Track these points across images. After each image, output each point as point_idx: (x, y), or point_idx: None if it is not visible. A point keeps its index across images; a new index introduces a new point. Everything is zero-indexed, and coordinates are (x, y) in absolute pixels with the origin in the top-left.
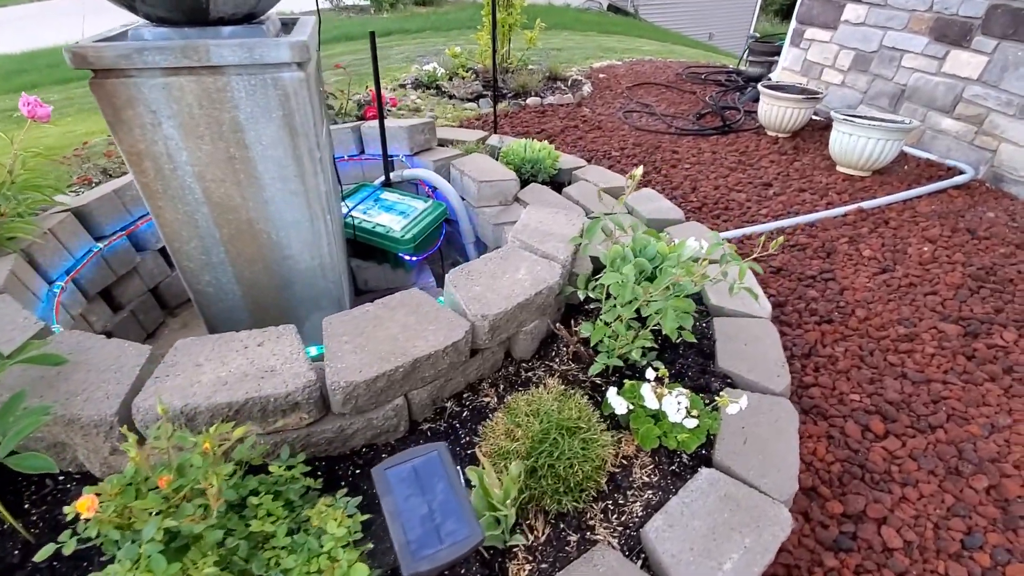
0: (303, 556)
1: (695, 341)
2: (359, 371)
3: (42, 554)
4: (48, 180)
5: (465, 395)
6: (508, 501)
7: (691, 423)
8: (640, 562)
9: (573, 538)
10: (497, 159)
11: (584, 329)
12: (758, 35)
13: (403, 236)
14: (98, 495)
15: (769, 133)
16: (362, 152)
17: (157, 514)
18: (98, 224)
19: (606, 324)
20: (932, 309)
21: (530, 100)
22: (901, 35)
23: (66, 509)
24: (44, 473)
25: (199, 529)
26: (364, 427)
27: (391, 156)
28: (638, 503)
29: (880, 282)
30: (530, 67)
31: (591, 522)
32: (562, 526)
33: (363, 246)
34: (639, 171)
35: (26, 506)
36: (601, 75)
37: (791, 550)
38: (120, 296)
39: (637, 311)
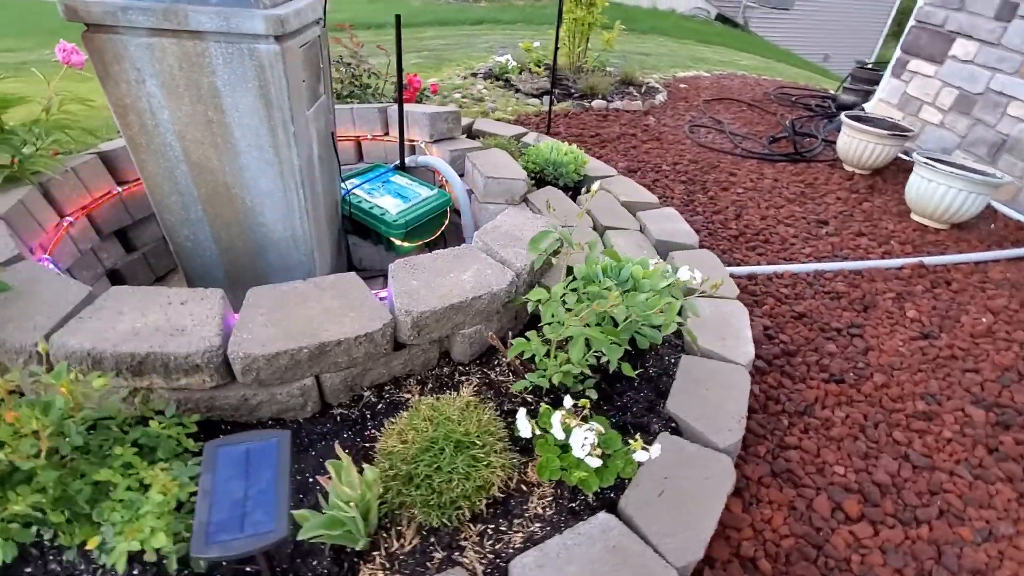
0: (130, 513)
1: (633, 376)
2: (262, 345)
3: None
4: (81, 124)
5: (387, 387)
6: (353, 504)
7: (594, 462)
8: None
9: (439, 555)
10: (519, 158)
11: (515, 347)
12: (867, 62)
13: (395, 220)
14: None
15: (846, 167)
16: (386, 133)
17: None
18: (123, 169)
19: (545, 342)
20: (967, 389)
21: (595, 103)
22: (1010, 80)
23: None
24: None
25: (27, 467)
26: (268, 400)
27: (412, 141)
28: (521, 534)
29: (915, 348)
30: (607, 68)
31: (463, 543)
32: (432, 540)
33: (360, 224)
34: (596, 185)
35: None
36: (682, 85)
37: None
38: (135, 238)
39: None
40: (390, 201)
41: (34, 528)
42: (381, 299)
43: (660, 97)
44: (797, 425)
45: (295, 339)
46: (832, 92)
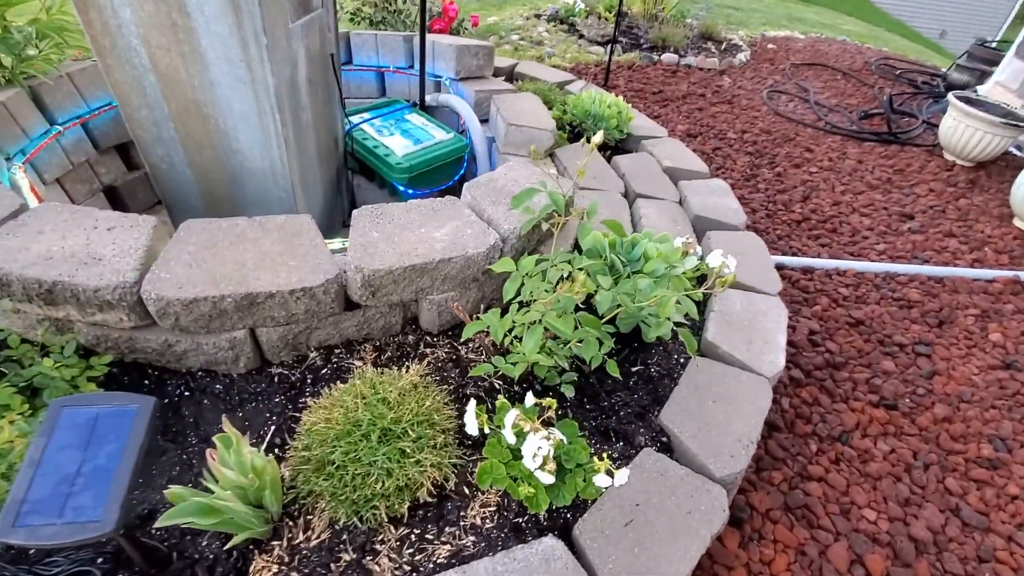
0: None
1: (618, 376)
2: (179, 287)
3: None
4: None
5: (338, 350)
6: (231, 492)
7: (546, 479)
8: None
9: (348, 556)
10: (555, 107)
11: (471, 326)
12: (989, 40)
13: (399, 163)
14: None
15: (946, 156)
16: (411, 66)
17: None
18: None
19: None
20: None
21: (665, 56)
22: None
23: None
24: None
25: None
26: (194, 350)
27: (435, 77)
28: (448, 547)
29: (993, 379)
30: (687, 20)
31: (379, 547)
32: (344, 538)
33: (368, 166)
34: (599, 136)
35: None
36: (770, 46)
37: None
38: (136, 156)
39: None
40: (399, 141)
41: None
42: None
43: (742, 56)
44: (827, 453)
45: (218, 285)
46: (944, 70)
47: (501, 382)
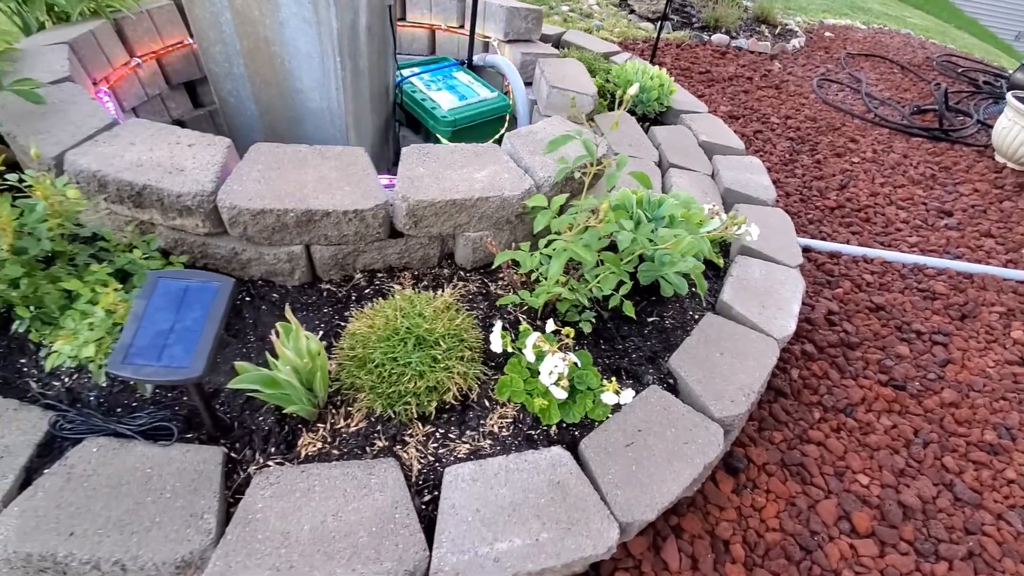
0: (80, 321)
1: (632, 317)
2: (249, 199)
3: None
4: None
5: (380, 274)
6: (290, 368)
7: (559, 393)
8: (428, 498)
9: (380, 443)
10: (598, 75)
11: (500, 255)
12: None
13: (444, 116)
14: None
15: (997, 158)
16: (461, 26)
17: None
18: None
19: (530, 259)
20: None
21: (716, 37)
22: None
23: None
24: None
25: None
26: (257, 259)
27: (485, 38)
28: (468, 446)
29: (1007, 373)
30: (743, 2)
31: (408, 439)
32: (379, 428)
33: (415, 118)
34: (634, 88)
35: None
36: (827, 34)
37: None
38: (203, 95)
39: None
40: (445, 96)
41: (16, 322)
42: (387, 186)
43: (796, 42)
44: (829, 421)
45: (282, 200)
46: (1009, 71)
47: (525, 316)
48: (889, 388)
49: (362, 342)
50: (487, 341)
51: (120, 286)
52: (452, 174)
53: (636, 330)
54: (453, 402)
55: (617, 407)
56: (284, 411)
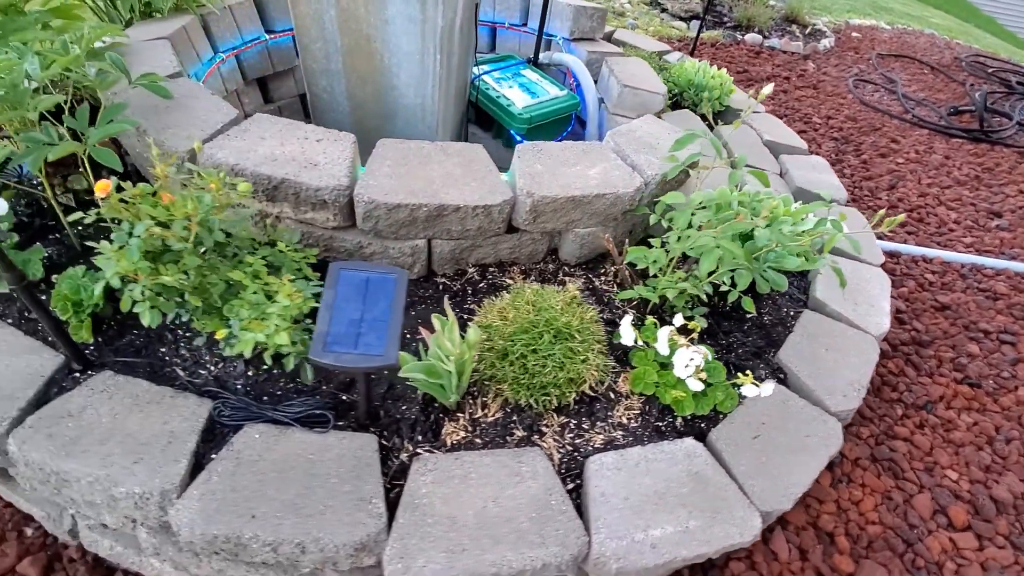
0: (256, 312)
1: (753, 313)
2: (385, 193)
3: (72, 216)
4: None
5: (491, 269)
6: (452, 357)
7: (696, 385)
8: (571, 486)
9: (519, 433)
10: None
11: (632, 252)
12: None
13: (520, 113)
14: (121, 189)
15: None
16: (524, 24)
17: (152, 220)
18: (271, 18)
19: (662, 255)
20: None
21: (749, 36)
22: None
23: (96, 189)
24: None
25: (177, 246)
26: (381, 253)
27: (548, 36)
28: (601, 436)
29: None
30: (771, 2)
31: (544, 429)
32: (515, 418)
33: (484, 115)
34: (769, 88)
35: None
36: (854, 34)
37: (762, 572)
38: (274, 91)
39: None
40: (518, 94)
41: (175, 311)
42: None
43: (826, 43)
44: (912, 418)
45: (415, 195)
46: None
47: (634, 311)
48: (966, 386)
49: (499, 334)
50: (606, 335)
51: (292, 277)
52: (567, 171)
53: (737, 326)
54: (591, 393)
55: (740, 400)
56: (433, 402)
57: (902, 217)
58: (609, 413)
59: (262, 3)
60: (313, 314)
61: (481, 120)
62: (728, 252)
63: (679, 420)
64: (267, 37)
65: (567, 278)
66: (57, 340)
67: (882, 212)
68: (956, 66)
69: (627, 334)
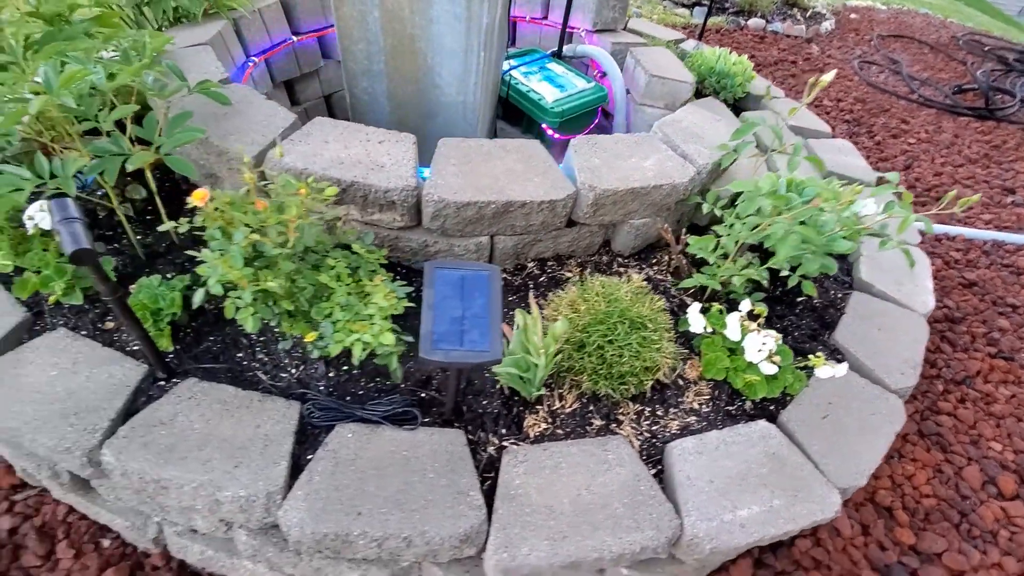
0: (349, 313)
1: (815, 297)
2: (454, 192)
3: (165, 226)
4: None
5: (549, 263)
6: (542, 350)
7: (769, 369)
8: (653, 471)
9: (597, 422)
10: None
11: (693, 241)
12: None
13: (552, 107)
14: (212, 198)
15: None
16: (545, 17)
17: (247, 227)
18: (298, 19)
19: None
20: None
21: (752, 21)
22: None
23: (189, 200)
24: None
25: (275, 252)
26: (446, 251)
27: (571, 28)
28: (676, 422)
29: None
30: None
31: (621, 417)
32: (591, 408)
33: (512, 110)
34: (830, 75)
35: (162, 209)
36: (853, 15)
37: (828, 548)
38: (299, 93)
39: (760, 245)
40: (547, 88)
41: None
42: None
43: (827, 25)
44: (953, 393)
45: (483, 192)
46: None
47: (690, 298)
48: (1001, 360)
49: (573, 325)
50: (670, 320)
51: (384, 277)
52: (622, 164)
53: (790, 310)
54: (662, 380)
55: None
56: (514, 395)
57: (977, 197)
58: (680, 399)
59: (289, 5)
60: (405, 314)
61: (508, 115)
62: (804, 238)
63: (748, 403)
64: (295, 39)
65: (622, 269)
66: (144, 350)
67: (909, 195)
68: (954, 45)
69: (696, 321)
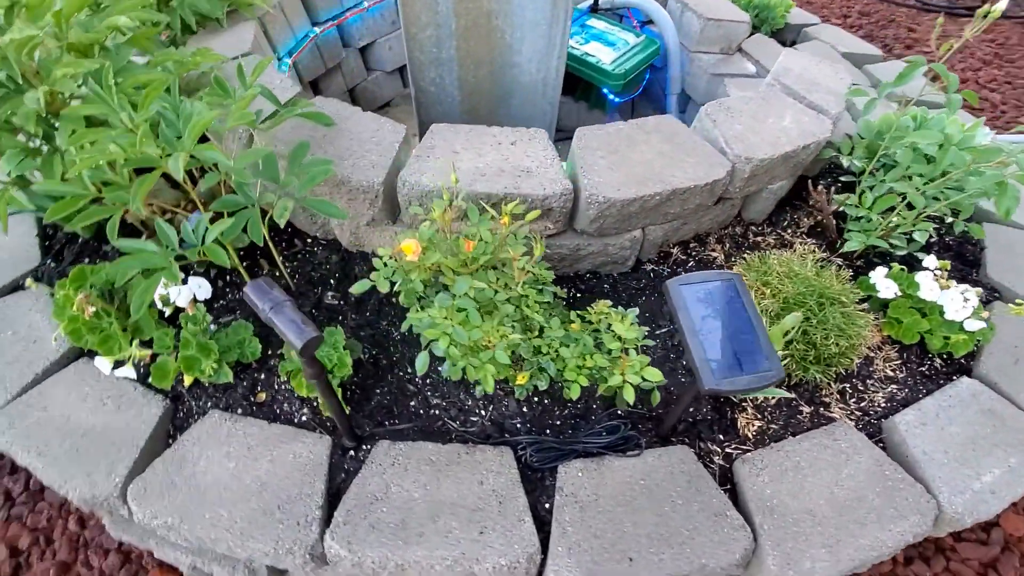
0: (578, 350)
1: (955, 242)
2: (617, 189)
3: (357, 287)
4: None
5: (691, 245)
6: (776, 347)
7: (975, 325)
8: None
9: (806, 410)
10: None
11: (843, 200)
12: None
13: (614, 70)
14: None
15: None
16: None
17: (458, 275)
18: (315, 6)
19: (873, 199)
20: None
21: None
22: None
23: (380, 250)
24: (294, 235)
25: (502, 298)
26: (598, 252)
27: None
28: (880, 394)
29: None
30: None
31: (826, 399)
32: (793, 396)
33: (573, 76)
34: (1004, 3)
35: (279, 259)
36: None
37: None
38: (325, 90)
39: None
40: (600, 48)
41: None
42: None
43: None
44: None
45: (645, 184)
46: None
47: (840, 260)
48: None
49: (764, 311)
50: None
51: (610, 304)
52: (764, 127)
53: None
54: (869, 353)
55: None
56: (718, 396)
57: None
58: (870, 369)
59: None
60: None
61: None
62: (987, 185)
63: (938, 361)
64: (316, 31)
65: (759, 238)
66: (337, 422)
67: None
68: None
69: (885, 287)
